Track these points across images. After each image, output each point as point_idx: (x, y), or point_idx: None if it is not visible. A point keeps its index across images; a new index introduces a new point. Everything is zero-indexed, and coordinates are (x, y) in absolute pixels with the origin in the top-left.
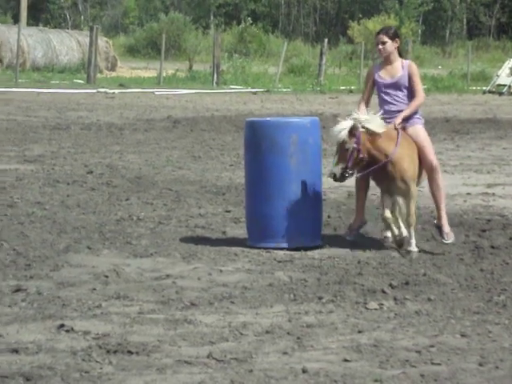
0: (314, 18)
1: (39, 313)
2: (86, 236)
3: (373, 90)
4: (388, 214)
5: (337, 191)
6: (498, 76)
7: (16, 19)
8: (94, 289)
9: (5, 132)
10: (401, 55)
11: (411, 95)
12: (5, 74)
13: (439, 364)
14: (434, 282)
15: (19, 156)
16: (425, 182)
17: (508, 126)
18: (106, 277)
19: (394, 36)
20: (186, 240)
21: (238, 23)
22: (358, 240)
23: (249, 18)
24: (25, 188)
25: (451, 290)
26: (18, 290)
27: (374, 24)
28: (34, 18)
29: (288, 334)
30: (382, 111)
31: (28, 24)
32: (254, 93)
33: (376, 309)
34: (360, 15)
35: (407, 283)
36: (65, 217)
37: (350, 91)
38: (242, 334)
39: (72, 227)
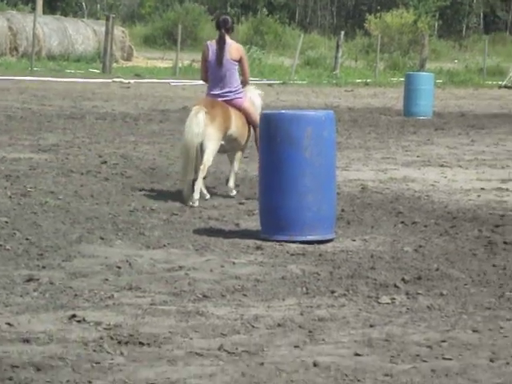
0: (331, 10)
1: (51, 303)
2: (98, 226)
3: None
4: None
5: (350, 185)
6: None
7: (32, 8)
8: (107, 279)
9: (19, 121)
10: None
11: None
12: (20, 63)
13: (450, 359)
14: (446, 277)
15: (33, 145)
16: None
17: None
18: (119, 268)
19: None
20: (199, 232)
21: (254, 14)
22: (368, 235)
23: (265, 10)
24: (38, 177)
25: (463, 285)
26: (30, 279)
27: (391, 17)
28: (50, 7)
29: (300, 327)
30: None
31: (44, 12)
32: (270, 85)
33: (388, 303)
34: (378, 8)
35: (419, 278)
36: (78, 207)
37: (366, 84)
38: (253, 326)
39: (85, 217)
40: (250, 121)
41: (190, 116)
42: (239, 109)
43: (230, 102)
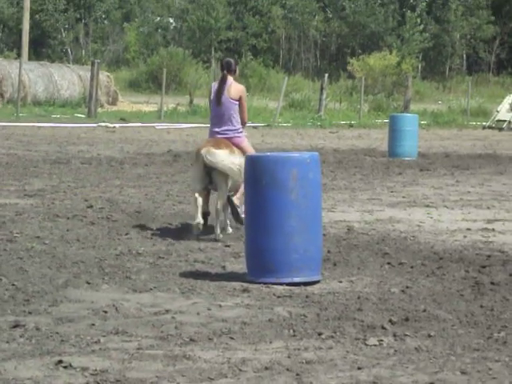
0: (314, 53)
1: (37, 349)
2: (85, 271)
3: None
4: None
5: (336, 226)
6: (497, 111)
7: (18, 54)
8: (93, 324)
9: (5, 166)
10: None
11: None
12: (6, 109)
13: None
14: (434, 318)
15: (19, 190)
16: None
17: (508, 162)
18: (105, 312)
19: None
20: (185, 275)
21: (239, 58)
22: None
23: (249, 53)
24: (24, 222)
25: (451, 327)
26: (16, 325)
27: (374, 60)
28: (36, 53)
29: (287, 370)
30: None
31: (30, 59)
32: (255, 127)
33: (376, 345)
34: (360, 51)
35: (407, 319)
36: (64, 251)
37: (351, 126)
38: (241, 370)
39: (71, 262)
40: None
41: (198, 156)
42: (238, 147)
43: (230, 140)
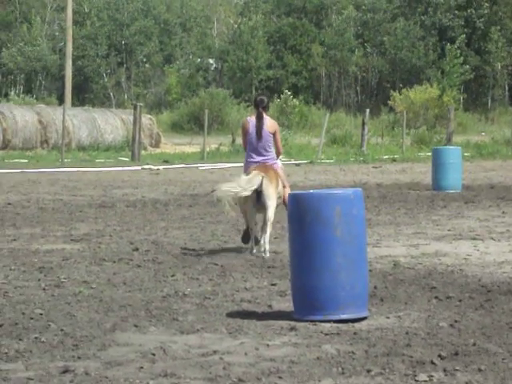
0: (355, 88)
1: None
2: (132, 314)
3: None
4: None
5: (382, 261)
6: None
7: (61, 100)
8: (142, 367)
9: (51, 212)
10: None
11: None
12: (51, 155)
13: None
14: (484, 352)
15: (66, 235)
16: None
17: None
18: (153, 355)
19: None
20: (232, 315)
21: (280, 97)
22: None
23: (287, 91)
24: (71, 267)
25: (502, 360)
26: (65, 370)
27: (415, 93)
28: (79, 99)
29: None
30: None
31: (73, 104)
32: (298, 164)
33: (426, 381)
34: (401, 85)
35: (457, 353)
36: (111, 295)
37: (394, 160)
38: None
39: (119, 305)
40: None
41: (248, 177)
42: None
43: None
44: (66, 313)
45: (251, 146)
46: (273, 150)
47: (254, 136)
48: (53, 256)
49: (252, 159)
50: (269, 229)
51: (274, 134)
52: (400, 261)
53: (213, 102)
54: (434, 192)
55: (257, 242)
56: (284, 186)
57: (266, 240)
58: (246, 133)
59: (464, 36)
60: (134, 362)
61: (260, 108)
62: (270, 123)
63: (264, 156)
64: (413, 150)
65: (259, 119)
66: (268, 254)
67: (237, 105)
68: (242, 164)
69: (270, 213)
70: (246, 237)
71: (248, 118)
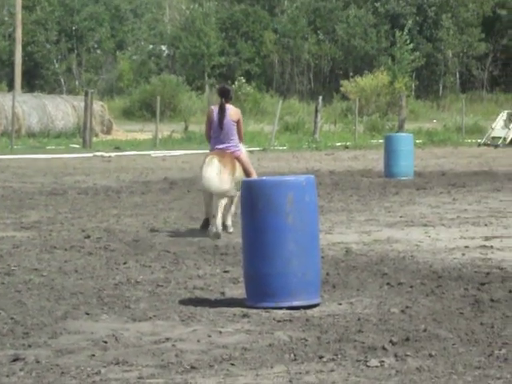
0: (308, 75)
1: (38, 382)
2: (84, 301)
3: None
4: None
5: (334, 248)
6: (492, 128)
7: (11, 86)
8: (93, 355)
9: (1, 199)
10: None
11: None
12: (0, 141)
13: None
14: (434, 338)
15: (16, 223)
16: None
17: (504, 178)
18: (105, 342)
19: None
20: (184, 302)
21: (233, 83)
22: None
23: (241, 78)
24: (22, 255)
25: (452, 345)
26: (16, 359)
27: (365, 80)
28: (29, 85)
29: None
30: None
31: (23, 90)
32: (251, 151)
33: (377, 366)
34: (351, 73)
35: (408, 339)
36: (62, 283)
37: (346, 147)
38: None
39: (70, 293)
40: (245, 169)
41: (205, 162)
42: (237, 160)
43: (231, 154)
44: (17, 301)
45: (214, 134)
46: (236, 137)
47: (216, 124)
48: (3, 244)
49: (216, 146)
50: (233, 207)
51: (237, 122)
52: (352, 247)
53: (165, 88)
54: (386, 179)
55: (225, 227)
56: (250, 173)
57: (228, 217)
58: (210, 121)
59: (411, 22)
60: (86, 350)
61: (223, 98)
62: (233, 112)
63: (227, 143)
64: (365, 137)
65: (222, 109)
66: (231, 230)
67: (189, 91)
68: (195, 151)
69: (226, 198)
70: (206, 227)
71: (212, 106)
